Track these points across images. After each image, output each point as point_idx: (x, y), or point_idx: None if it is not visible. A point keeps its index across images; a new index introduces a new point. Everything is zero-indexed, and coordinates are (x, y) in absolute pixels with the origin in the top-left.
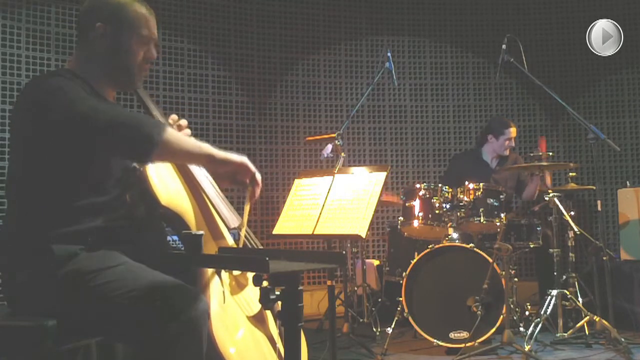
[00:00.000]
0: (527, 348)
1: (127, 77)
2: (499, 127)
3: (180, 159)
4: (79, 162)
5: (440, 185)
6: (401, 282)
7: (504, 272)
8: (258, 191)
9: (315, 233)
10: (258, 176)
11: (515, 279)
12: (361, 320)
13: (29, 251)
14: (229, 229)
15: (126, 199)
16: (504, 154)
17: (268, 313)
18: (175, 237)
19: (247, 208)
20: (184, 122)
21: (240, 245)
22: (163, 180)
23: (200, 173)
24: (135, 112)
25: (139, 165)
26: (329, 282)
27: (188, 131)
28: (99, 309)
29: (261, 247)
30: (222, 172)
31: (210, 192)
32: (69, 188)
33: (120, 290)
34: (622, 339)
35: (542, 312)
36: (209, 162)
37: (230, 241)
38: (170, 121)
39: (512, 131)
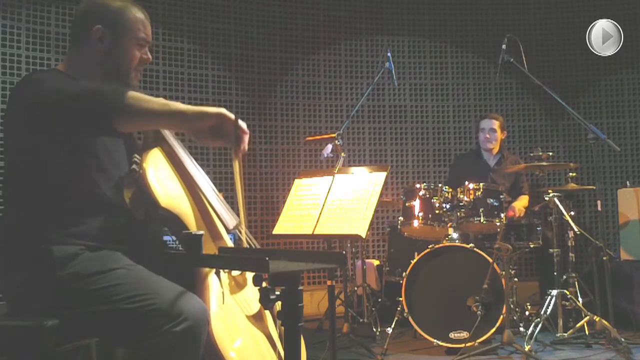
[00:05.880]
0: (527, 348)
1: (123, 80)
2: (479, 123)
3: (149, 121)
4: (74, 162)
5: (440, 185)
6: (401, 282)
7: (504, 272)
8: (247, 139)
9: (315, 233)
10: (242, 123)
11: (515, 279)
12: (361, 320)
13: (28, 252)
14: (227, 230)
15: (124, 199)
16: (487, 147)
17: (267, 312)
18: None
19: (236, 167)
20: None
21: (244, 241)
22: (162, 182)
23: (199, 174)
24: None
25: (137, 168)
26: (329, 282)
27: None
28: (99, 312)
29: (259, 247)
30: (201, 129)
31: (208, 194)
32: (65, 188)
33: (121, 295)
34: (622, 339)
35: (542, 312)
36: (182, 121)
37: (229, 242)
38: None
39: (486, 122)
